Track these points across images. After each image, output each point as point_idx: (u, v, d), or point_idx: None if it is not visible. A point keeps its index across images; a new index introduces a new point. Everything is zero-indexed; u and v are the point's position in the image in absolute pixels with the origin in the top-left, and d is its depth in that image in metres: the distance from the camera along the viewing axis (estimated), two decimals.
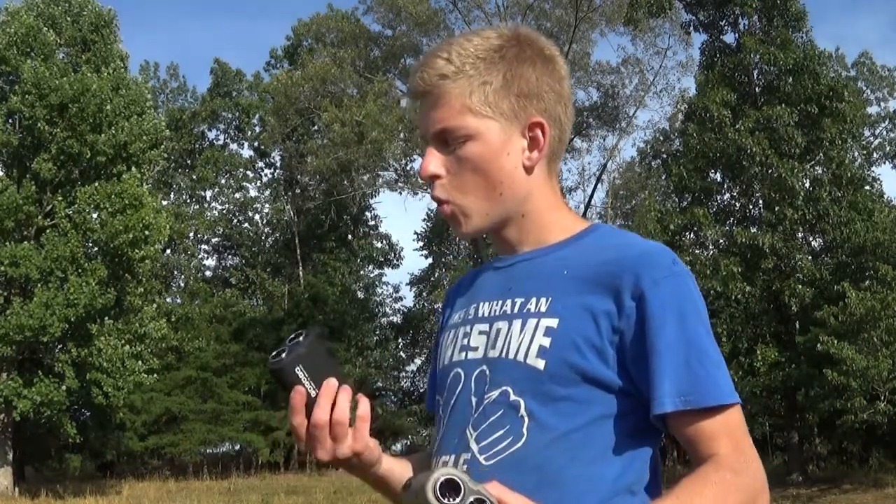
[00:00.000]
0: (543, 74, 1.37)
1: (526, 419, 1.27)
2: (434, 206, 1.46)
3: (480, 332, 1.38)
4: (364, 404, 1.30)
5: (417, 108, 1.40)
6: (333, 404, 1.26)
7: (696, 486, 1.18)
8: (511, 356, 1.31)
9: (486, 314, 1.39)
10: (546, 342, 1.28)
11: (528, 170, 1.37)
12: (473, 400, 1.33)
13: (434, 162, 1.36)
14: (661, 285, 1.26)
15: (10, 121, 23.44)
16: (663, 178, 32.64)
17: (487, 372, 1.33)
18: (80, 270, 22.13)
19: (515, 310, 1.34)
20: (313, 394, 1.25)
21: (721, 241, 24.12)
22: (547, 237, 1.39)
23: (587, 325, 1.27)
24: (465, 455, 1.31)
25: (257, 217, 43.58)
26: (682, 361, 1.23)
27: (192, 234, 41.03)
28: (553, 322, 1.29)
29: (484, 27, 1.49)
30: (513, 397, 1.29)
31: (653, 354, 1.24)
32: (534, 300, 1.33)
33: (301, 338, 1.28)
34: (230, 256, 43.62)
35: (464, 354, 1.39)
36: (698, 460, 1.24)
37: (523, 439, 1.27)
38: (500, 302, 1.38)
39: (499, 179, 1.35)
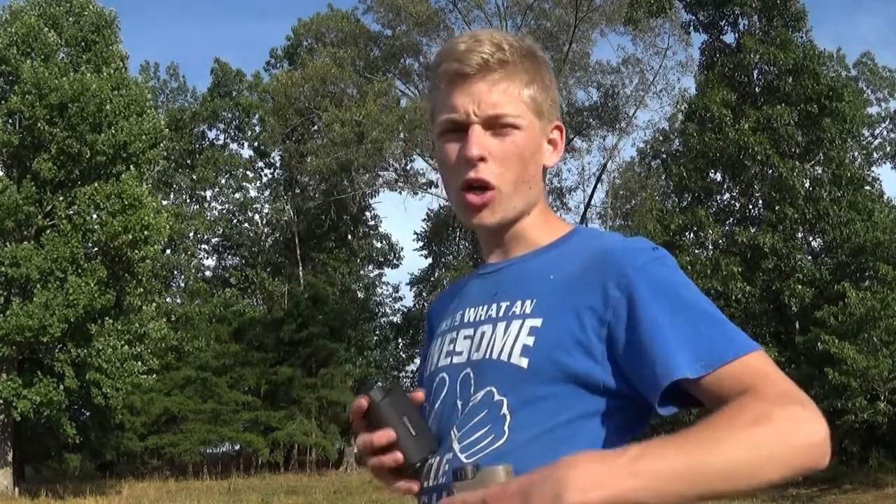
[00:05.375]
0: (556, 85, 1.44)
1: (508, 417, 1.27)
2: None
3: (465, 337, 1.39)
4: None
5: (455, 87, 1.37)
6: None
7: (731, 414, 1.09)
8: (495, 356, 1.31)
9: (471, 319, 1.40)
10: (530, 341, 1.28)
11: (545, 171, 1.42)
12: (459, 403, 1.34)
13: (484, 143, 1.35)
14: (647, 268, 1.25)
15: (10, 121, 23.44)
16: (663, 178, 32.66)
17: (472, 374, 1.34)
18: (79, 271, 22.13)
19: (500, 313, 1.35)
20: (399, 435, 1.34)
21: (721, 241, 24.13)
22: (536, 240, 1.41)
23: (572, 323, 1.26)
24: (447, 455, 1.31)
25: (257, 217, 43.61)
26: (691, 327, 1.19)
27: (192, 234, 41.02)
28: (537, 322, 1.29)
29: (499, 31, 1.50)
30: (496, 397, 1.29)
31: (656, 332, 1.20)
32: (519, 303, 1.34)
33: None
34: (230, 256, 43.62)
35: (449, 359, 1.40)
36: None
37: (504, 437, 1.26)
38: (486, 307, 1.39)
39: (531, 174, 1.39)
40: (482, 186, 1.36)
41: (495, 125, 1.35)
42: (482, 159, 1.34)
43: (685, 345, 1.18)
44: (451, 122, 1.37)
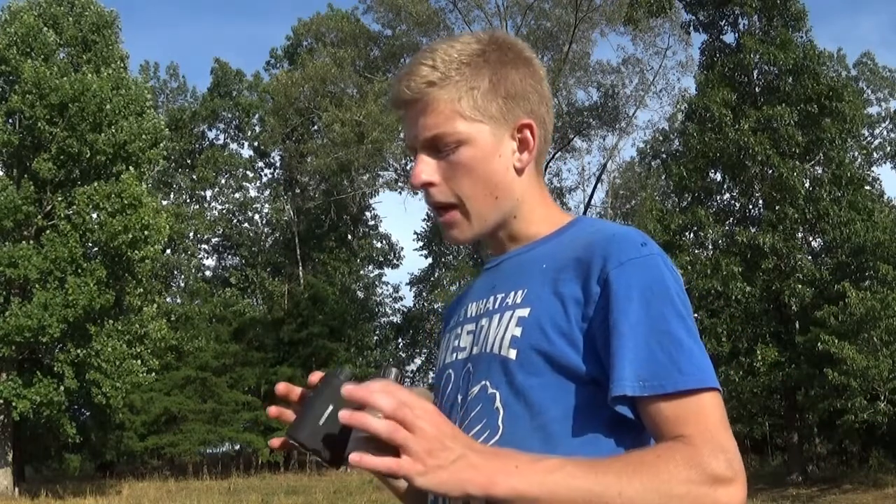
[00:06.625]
0: (526, 76, 1.37)
1: (501, 411, 1.26)
2: None
3: (468, 332, 1.40)
4: None
5: (403, 117, 1.38)
6: None
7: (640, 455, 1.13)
8: (488, 350, 1.32)
9: (472, 314, 1.41)
10: (518, 332, 1.28)
11: (520, 171, 1.37)
12: (459, 398, 1.34)
13: (427, 169, 1.35)
14: (627, 267, 1.22)
15: (10, 121, 23.44)
16: (663, 178, 32.64)
17: (471, 368, 1.34)
18: (79, 271, 22.12)
19: (496, 305, 1.35)
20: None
21: (721, 241, 24.12)
22: (537, 233, 1.40)
23: (556, 311, 1.25)
24: None
25: (257, 217, 43.66)
26: (644, 344, 1.18)
27: (192, 234, 41.05)
28: (525, 311, 1.29)
29: (462, 34, 1.48)
30: (490, 390, 1.29)
31: (615, 337, 1.19)
32: (512, 293, 1.34)
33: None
34: (230, 256, 43.65)
35: (454, 356, 1.41)
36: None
37: (499, 432, 1.26)
38: (485, 300, 1.39)
39: (493, 183, 1.35)
40: (443, 207, 1.37)
41: (437, 146, 1.34)
42: (429, 185, 1.35)
43: (634, 360, 1.17)
44: (408, 149, 1.39)
